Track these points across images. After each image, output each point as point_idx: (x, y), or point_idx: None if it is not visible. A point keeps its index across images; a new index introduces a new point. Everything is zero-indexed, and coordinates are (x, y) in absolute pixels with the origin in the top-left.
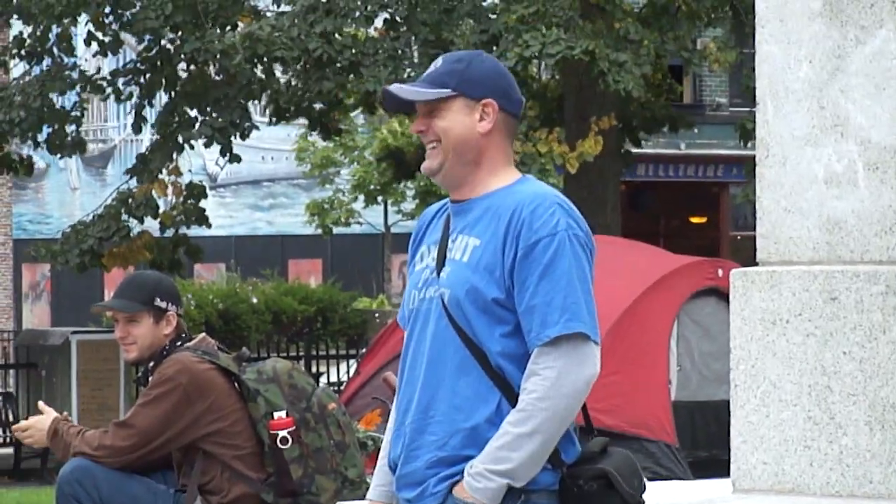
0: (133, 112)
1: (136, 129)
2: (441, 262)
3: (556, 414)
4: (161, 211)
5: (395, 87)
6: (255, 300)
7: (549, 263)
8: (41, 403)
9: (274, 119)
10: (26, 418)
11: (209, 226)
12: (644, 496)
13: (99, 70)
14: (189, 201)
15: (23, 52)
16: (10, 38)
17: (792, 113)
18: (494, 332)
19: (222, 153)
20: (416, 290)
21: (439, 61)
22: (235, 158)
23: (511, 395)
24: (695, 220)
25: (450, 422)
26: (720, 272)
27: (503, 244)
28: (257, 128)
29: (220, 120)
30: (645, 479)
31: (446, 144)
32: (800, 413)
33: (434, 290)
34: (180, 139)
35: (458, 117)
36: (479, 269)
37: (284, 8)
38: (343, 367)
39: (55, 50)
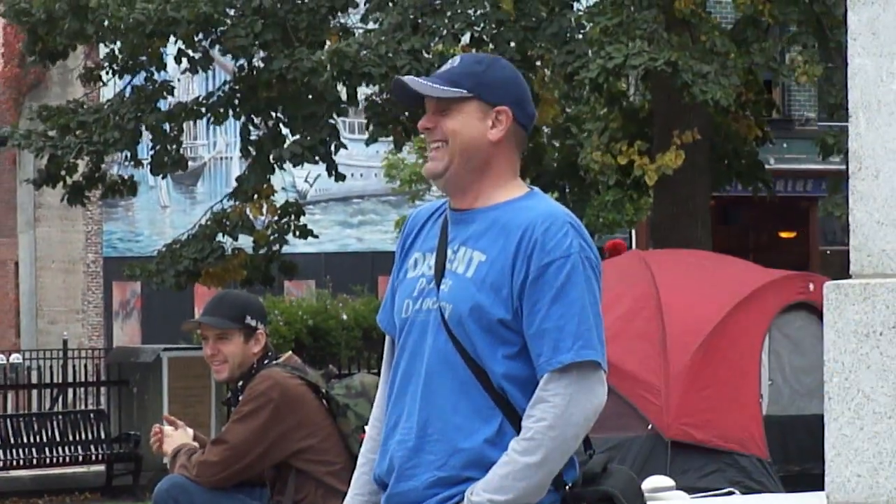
0: (239, 132)
1: (245, 152)
2: (440, 272)
3: (565, 443)
4: (256, 230)
5: (408, 79)
6: (344, 317)
7: (561, 287)
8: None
9: (370, 134)
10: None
11: (315, 236)
12: None
13: (197, 99)
14: (289, 218)
15: (115, 66)
16: (101, 56)
17: (885, 126)
18: (497, 352)
19: (328, 171)
20: (411, 299)
21: (456, 60)
22: (340, 177)
23: (513, 417)
24: (784, 234)
25: (449, 441)
26: (811, 286)
27: (513, 263)
28: (345, 146)
29: (308, 139)
30: (646, 500)
31: (453, 147)
32: (894, 426)
33: (432, 301)
34: (271, 158)
35: (470, 121)
36: (485, 287)
37: (372, 26)
38: None
39: (147, 68)
